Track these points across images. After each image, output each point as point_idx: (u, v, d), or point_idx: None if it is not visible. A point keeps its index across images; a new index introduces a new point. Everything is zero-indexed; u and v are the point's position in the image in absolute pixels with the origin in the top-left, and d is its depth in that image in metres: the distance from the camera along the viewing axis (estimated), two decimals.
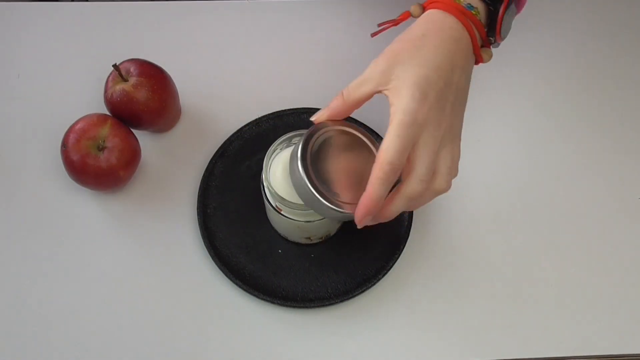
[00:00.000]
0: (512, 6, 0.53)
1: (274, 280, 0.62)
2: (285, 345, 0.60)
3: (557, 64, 0.76)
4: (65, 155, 0.61)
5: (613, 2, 0.80)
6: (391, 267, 0.62)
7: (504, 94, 0.74)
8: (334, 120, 0.53)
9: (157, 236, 0.64)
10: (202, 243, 0.63)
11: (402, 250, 0.62)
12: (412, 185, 0.48)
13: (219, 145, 0.67)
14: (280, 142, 0.57)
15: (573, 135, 0.71)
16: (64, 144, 0.61)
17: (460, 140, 0.51)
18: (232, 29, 0.76)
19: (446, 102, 0.49)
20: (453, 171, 0.51)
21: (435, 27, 0.50)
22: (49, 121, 0.69)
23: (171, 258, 0.63)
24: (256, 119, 0.69)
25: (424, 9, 0.53)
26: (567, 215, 0.67)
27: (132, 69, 0.64)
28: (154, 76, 0.64)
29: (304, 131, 0.53)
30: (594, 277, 0.64)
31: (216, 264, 0.61)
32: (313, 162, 0.51)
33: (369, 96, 0.50)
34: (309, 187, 0.49)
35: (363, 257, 0.63)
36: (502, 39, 0.53)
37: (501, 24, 0.51)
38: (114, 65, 0.63)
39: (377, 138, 0.67)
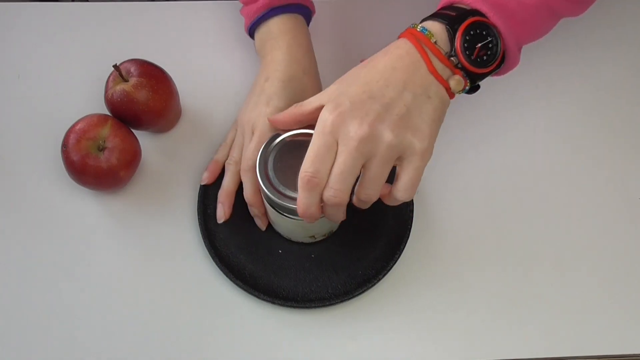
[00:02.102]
0: (494, 31, 0.52)
1: (274, 281, 0.62)
2: (285, 345, 0.60)
3: (558, 64, 0.76)
4: (66, 156, 0.61)
5: (614, 2, 0.80)
6: (391, 267, 0.62)
7: (504, 94, 0.73)
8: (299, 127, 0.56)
9: (157, 236, 0.64)
10: (203, 243, 0.63)
11: (402, 251, 0.62)
12: (325, 192, 0.50)
13: (219, 145, 0.67)
14: (275, 143, 0.57)
15: (573, 135, 0.71)
16: (64, 145, 0.61)
17: (419, 157, 0.51)
18: (232, 29, 0.76)
19: (368, 115, 0.49)
20: (374, 185, 0.51)
21: (385, 51, 0.53)
22: (49, 121, 0.69)
23: (171, 258, 0.63)
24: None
25: None
26: (568, 215, 0.67)
27: (132, 69, 0.64)
28: (154, 76, 0.64)
29: (301, 131, 0.56)
30: (594, 277, 0.64)
31: (216, 264, 0.61)
32: (276, 166, 0.55)
33: (313, 110, 0.53)
34: (264, 190, 0.54)
35: (363, 257, 0.63)
36: (477, 66, 0.52)
37: (459, 43, 0.51)
38: (115, 66, 0.63)
39: None
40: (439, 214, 0.66)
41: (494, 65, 0.53)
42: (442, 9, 0.54)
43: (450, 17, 0.52)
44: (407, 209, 0.64)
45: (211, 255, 0.62)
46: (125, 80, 0.63)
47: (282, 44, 0.64)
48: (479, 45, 0.51)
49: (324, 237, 0.63)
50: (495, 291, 0.63)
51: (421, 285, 0.63)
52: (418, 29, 0.52)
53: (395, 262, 0.62)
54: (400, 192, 0.51)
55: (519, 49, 0.55)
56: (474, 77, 0.52)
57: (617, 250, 0.65)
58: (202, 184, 0.65)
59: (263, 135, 0.59)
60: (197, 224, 0.64)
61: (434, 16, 0.53)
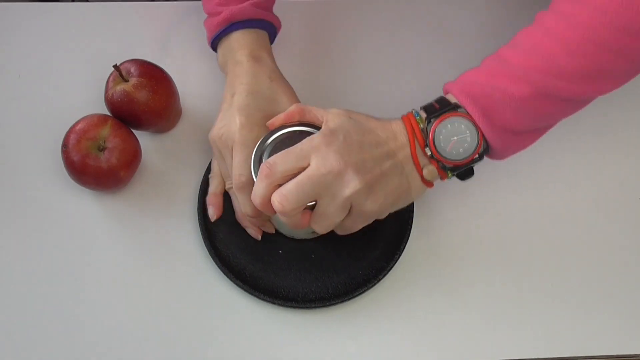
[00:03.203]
0: (471, 125, 0.54)
1: (275, 281, 0.62)
2: (285, 345, 0.60)
3: None
4: (66, 156, 0.61)
5: None
6: (391, 267, 0.62)
7: None
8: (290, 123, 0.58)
9: (157, 236, 0.64)
10: (203, 243, 0.63)
11: (402, 251, 0.62)
12: (274, 195, 0.52)
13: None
14: (270, 141, 0.57)
15: (573, 135, 0.71)
16: (65, 145, 0.61)
17: (364, 217, 0.55)
18: None
19: (350, 158, 0.52)
20: (323, 221, 0.54)
21: (389, 120, 0.56)
22: (49, 121, 0.69)
23: (171, 258, 0.63)
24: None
25: None
26: (567, 215, 0.67)
27: (132, 69, 0.64)
28: (154, 76, 0.64)
29: (296, 128, 0.57)
30: (594, 277, 0.64)
31: (216, 264, 0.61)
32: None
33: (315, 118, 0.57)
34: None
35: (363, 257, 0.63)
36: (451, 158, 0.54)
37: (432, 135, 0.54)
38: (115, 66, 0.63)
39: None
40: (439, 214, 0.66)
41: (470, 158, 0.54)
42: (437, 99, 0.56)
43: (433, 109, 0.54)
44: (407, 209, 0.64)
45: (211, 256, 0.62)
46: (125, 80, 0.63)
47: (242, 58, 0.63)
48: (454, 138, 0.54)
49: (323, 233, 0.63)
50: (495, 291, 0.63)
51: (421, 285, 0.63)
52: (413, 113, 0.55)
53: (395, 262, 0.62)
54: (316, 225, 0.54)
55: (513, 134, 0.55)
56: (452, 168, 0.55)
57: (617, 250, 0.65)
58: (212, 220, 0.64)
59: (243, 146, 0.59)
60: (197, 224, 0.64)
61: (428, 104, 0.55)
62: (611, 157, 0.70)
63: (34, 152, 0.68)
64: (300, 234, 0.63)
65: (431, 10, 0.79)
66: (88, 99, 0.69)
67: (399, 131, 0.55)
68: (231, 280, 0.61)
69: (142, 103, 0.63)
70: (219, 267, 0.61)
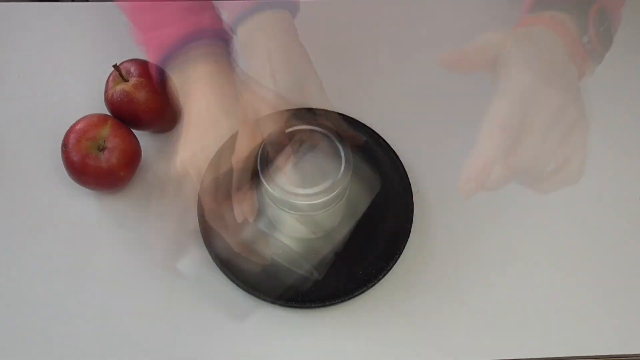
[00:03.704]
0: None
1: (275, 281, 0.62)
2: (285, 345, 0.60)
3: None
4: (66, 156, 0.61)
5: None
6: (391, 267, 0.61)
7: None
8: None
9: (157, 236, 0.64)
10: (203, 243, 0.63)
11: (402, 251, 0.62)
12: None
13: (219, 145, 0.67)
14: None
15: None
16: (65, 145, 0.61)
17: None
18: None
19: None
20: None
21: None
22: (49, 121, 0.69)
23: (171, 258, 0.63)
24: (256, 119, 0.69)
25: None
26: (567, 215, 0.67)
27: (132, 69, 0.64)
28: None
29: (302, 127, 0.58)
30: (594, 277, 0.64)
31: (217, 264, 0.61)
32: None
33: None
34: (267, 188, 0.55)
35: (363, 257, 0.63)
36: None
37: None
38: (115, 66, 0.63)
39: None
40: (439, 214, 0.66)
41: None
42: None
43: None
44: (407, 209, 0.64)
45: (211, 256, 0.62)
46: (125, 80, 0.63)
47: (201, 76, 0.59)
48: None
49: (324, 234, 0.63)
50: (495, 291, 0.63)
51: (421, 285, 0.63)
52: None
53: (395, 262, 0.62)
54: None
55: None
56: None
57: (617, 250, 0.65)
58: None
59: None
60: (197, 223, 0.64)
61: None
62: (611, 157, 0.70)
63: (34, 152, 0.68)
64: (299, 233, 0.63)
65: (431, 10, 0.79)
66: (88, 99, 0.69)
67: None
68: (231, 279, 0.61)
69: (142, 103, 0.63)
70: (219, 266, 0.61)
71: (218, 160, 0.57)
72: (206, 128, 0.57)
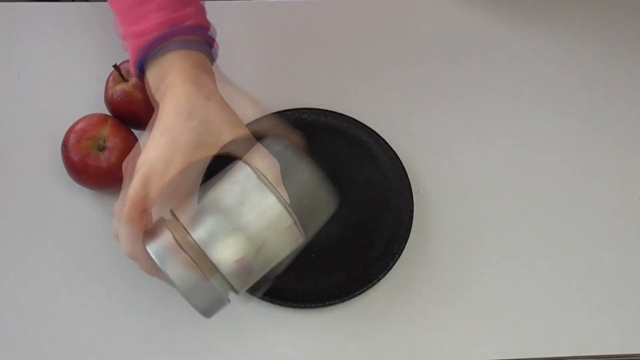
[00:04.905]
0: None
1: (275, 281, 0.62)
2: (285, 345, 0.60)
3: (558, 64, 0.76)
4: (66, 156, 0.61)
5: (614, 2, 0.80)
6: (391, 267, 0.61)
7: (504, 94, 0.74)
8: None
9: None
10: None
11: (402, 250, 0.62)
12: None
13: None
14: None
15: (573, 135, 0.71)
16: (65, 144, 0.61)
17: None
18: (232, 29, 0.76)
19: None
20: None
21: None
22: (49, 121, 0.69)
23: None
24: (256, 119, 0.69)
25: None
26: (567, 215, 0.67)
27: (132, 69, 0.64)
28: None
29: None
30: (593, 277, 0.64)
31: None
32: None
33: None
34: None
35: (363, 257, 0.63)
36: None
37: None
38: (115, 66, 0.63)
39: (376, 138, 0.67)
40: (439, 214, 0.66)
41: None
42: None
43: None
44: (407, 209, 0.64)
45: None
46: (125, 80, 0.63)
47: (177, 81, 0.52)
48: None
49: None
50: (495, 291, 0.63)
51: (421, 285, 0.63)
52: None
53: (395, 262, 0.62)
54: None
55: None
56: None
57: (617, 250, 0.65)
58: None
59: (162, 176, 0.47)
60: None
61: None
62: (611, 157, 0.70)
63: (34, 152, 0.68)
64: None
65: (432, 10, 0.79)
66: (88, 99, 0.69)
67: None
68: None
69: (142, 103, 0.63)
70: None
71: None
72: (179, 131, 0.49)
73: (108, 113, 0.64)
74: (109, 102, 0.64)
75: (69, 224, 0.65)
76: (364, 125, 0.68)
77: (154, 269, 0.49)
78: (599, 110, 0.73)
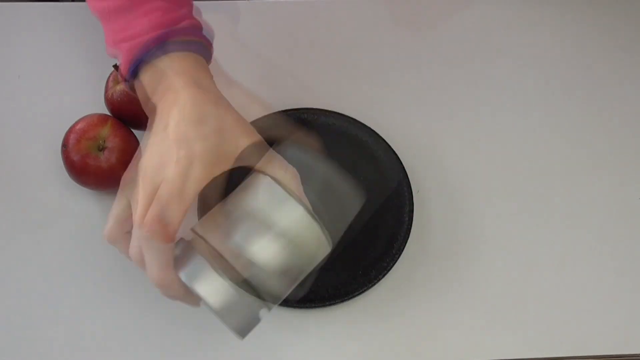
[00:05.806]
0: None
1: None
2: (285, 345, 0.60)
3: (558, 64, 0.76)
4: (66, 156, 0.61)
5: (614, 2, 0.80)
6: (391, 267, 0.61)
7: (504, 94, 0.74)
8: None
9: None
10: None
11: (402, 250, 0.62)
12: None
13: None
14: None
15: (573, 135, 0.71)
16: (65, 144, 0.61)
17: None
18: (232, 29, 0.76)
19: None
20: None
21: None
22: (49, 121, 0.69)
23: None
24: (256, 119, 0.69)
25: None
26: (567, 215, 0.67)
27: None
28: None
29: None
30: (594, 277, 0.64)
31: None
32: None
33: None
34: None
35: (363, 257, 0.63)
36: None
37: None
38: (115, 66, 0.63)
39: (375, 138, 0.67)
40: (439, 214, 0.66)
41: None
42: None
43: None
44: (407, 209, 0.64)
45: None
46: None
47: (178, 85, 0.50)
48: None
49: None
50: (495, 291, 0.63)
51: (421, 285, 0.63)
52: None
53: (395, 262, 0.62)
54: None
55: None
56: None
57: (617, 250, 0.65)
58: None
59: (181, 195, 0.46)
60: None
61: None
62: (611, 157, 0.70)
63: (34, 152, 0.68)
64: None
65: (432, 10, 0.79)
66: (88, 99, 0.69)
67: None
68: None
69: None
70: None
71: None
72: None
73: (108, 113, 0.64)
74: (109, 102, 0.64)
75: (69, 224, 0.65)
76: (364, 125, 0.68)
77: (181, 294, 0.48)
78: (599, 111, 0.73)
